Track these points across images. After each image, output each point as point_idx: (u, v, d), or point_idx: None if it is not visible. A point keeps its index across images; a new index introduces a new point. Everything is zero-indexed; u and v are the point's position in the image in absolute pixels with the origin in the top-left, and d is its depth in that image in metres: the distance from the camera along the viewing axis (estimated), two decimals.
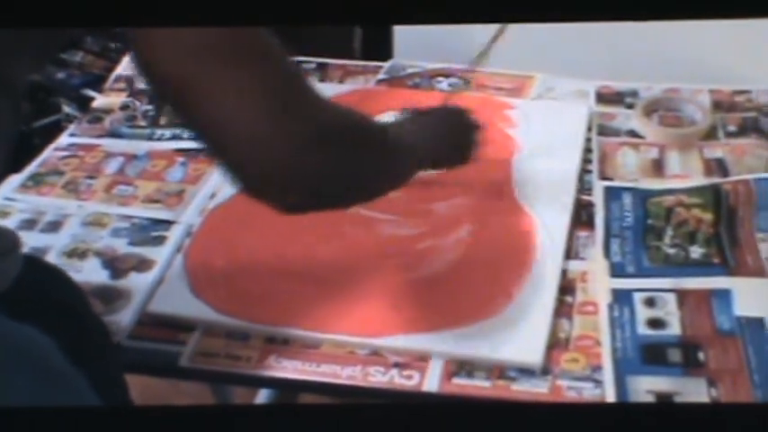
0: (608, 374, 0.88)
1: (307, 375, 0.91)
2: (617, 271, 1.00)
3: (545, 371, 0.89)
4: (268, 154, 0.67)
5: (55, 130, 1.41)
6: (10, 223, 1.13)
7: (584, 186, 1.14)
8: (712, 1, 0.38)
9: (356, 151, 0.75)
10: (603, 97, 1.33)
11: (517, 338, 0.91)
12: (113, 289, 1.02)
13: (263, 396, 1.59)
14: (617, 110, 1.30)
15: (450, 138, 1.05)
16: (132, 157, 1.26)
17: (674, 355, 0.89)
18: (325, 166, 0.71)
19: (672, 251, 1.02)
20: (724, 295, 0.95)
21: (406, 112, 1.01)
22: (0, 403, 0.65)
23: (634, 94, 1.33)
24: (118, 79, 1.47)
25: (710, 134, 1.23)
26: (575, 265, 1.02)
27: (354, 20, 0.39)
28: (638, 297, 0.96)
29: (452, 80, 1.40)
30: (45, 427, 0.48)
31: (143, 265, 1.05)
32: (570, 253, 1.03)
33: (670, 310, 0.94)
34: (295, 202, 0.74)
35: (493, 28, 1.11)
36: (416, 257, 1.03)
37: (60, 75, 2.16)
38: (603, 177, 1.16)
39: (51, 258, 1.07)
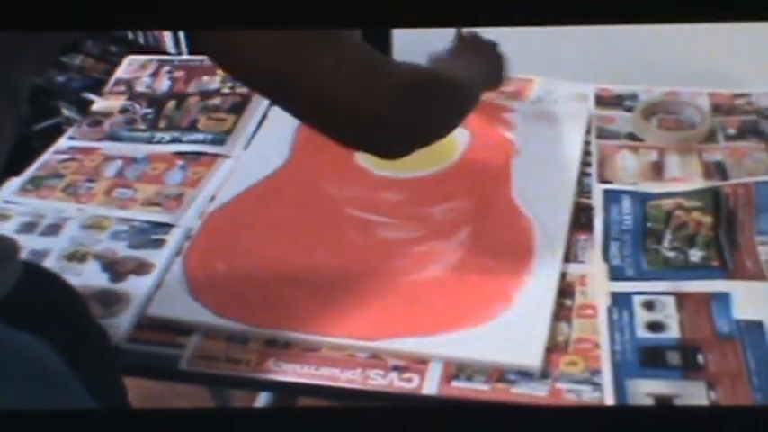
0: (607, 377, 0.88)
1: (306, 378, 0.91)
2: (616, 274, 1.00)
3: (544, 374, 0.89)
4: (368, 112, 0.77)
5: (54, 134, 1.41)
6: (9, 226, 1.13)
7: (583, 189, 1.14)
8: (712, 4, 0.38)
9: (436, 96, 0.86)
10: (603, 100, 1.33)
11: (516, 341, 0.91)
12: (113, 292, 1.02)
13: (262, 399, 1.60)
14: (616, 113, 1.30)
15: (488, 64, 1.17)
16: (132, 161, 1.27)
17: (674, 359, 0.89)
18: (413, 113, 0.81)
19: (671, 254, 1.02)
20: (723, 298, 0.95)
21: (449, 47, 1.14)
22: None
23: (633, 96, 1.33)
24: (117, 82, 1.47)
25: (710, 137, 1.23)
26: (574, 269, 1.02)
27: (353, 22, 0.39)
28: (637, 300, 0.96)
29: None
30: (43, 430, 0.48)
31: (142, 268, 1.06)
32: (569, 256, 1.03)
33: (669, 313, 0.94)
34: (396, 147, 0.84)
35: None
36: (415, 260, 1.03)
37: (60, 78, 2.17)
38: (603, 180, 1.16)
39: (51, 261, 1.07)
